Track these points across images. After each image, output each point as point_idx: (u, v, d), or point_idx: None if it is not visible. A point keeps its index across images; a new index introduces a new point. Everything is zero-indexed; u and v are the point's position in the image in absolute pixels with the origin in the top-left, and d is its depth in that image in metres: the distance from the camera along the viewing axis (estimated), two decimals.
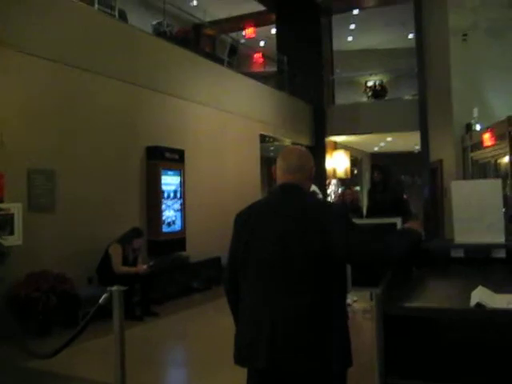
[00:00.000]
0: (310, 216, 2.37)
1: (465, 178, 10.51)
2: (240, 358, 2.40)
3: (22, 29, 6.89)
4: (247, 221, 2.55)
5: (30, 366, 5.09)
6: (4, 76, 6.69)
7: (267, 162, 15.48)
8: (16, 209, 6.57)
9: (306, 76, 15.31)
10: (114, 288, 3.76)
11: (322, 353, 2.25)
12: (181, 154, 9.53)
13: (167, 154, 9.17)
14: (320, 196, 6.50)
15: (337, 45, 17.47)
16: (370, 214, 7.50)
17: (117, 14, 9.03)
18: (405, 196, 7.15)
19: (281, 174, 2.54)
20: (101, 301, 3.79)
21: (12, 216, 6.50)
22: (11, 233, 6.48)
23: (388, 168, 7.64)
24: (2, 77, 6.65)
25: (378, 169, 7.53)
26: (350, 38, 19.34)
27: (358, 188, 18.52)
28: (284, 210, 2.43)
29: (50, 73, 7.29)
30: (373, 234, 2.43)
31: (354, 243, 2.32)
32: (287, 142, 14.49)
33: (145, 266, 7.54)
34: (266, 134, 13.33)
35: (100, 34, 8.21)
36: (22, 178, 6.81)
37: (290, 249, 2.32)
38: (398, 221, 2.87)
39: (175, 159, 9.38)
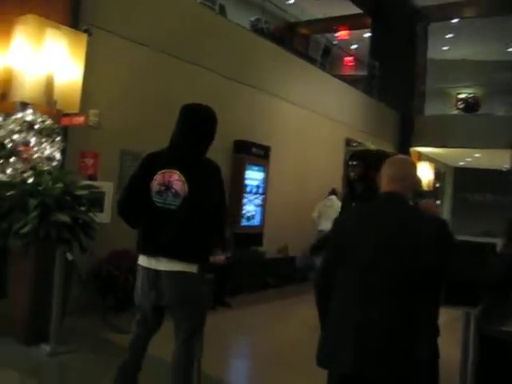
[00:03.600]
0: (410, 228, 2.34)
1: None
2: (324, 361, 2.41)
3: (128, 17, 7.19)
4: (344, 225, 2.55)
5: (109, 339, 5.35)
6: (108, 62, 6.96)
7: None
8: (107, 187, 6.81)
9: (396, 83, 14.99)
10: None
11: (408, 364, 2.23)
12: (267, 150, 9.63)
13: (254, 150, 9.31)
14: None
15: (431, 53, 17.06)
16: None
17: (217, 8, 9.23)
18: None
19: (385, 183, 2.53)
20: None
21: (103, 194, 6.75)
22: (101, 210, 6.73)
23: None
24: (106, 63, 6.93)
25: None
26: (445, 48, 18.82)
27: (437, 202, 17.90)
28: (384, 219, 2.41)
29: (150, 60, 7.53)
30: (475, 254, 2.39)
31: (455, 262, 2.28)
32: (372, 148, 14.28)
33: (222, 257, 7.65)
34: (351, 138, 13.19)
35: (200, 27, 8.39)
36: (114, 159, 7.09)
37: (384, 257, 2.30)
38: (499, 241, 2.79)
39: (261, 155, 9.50)
